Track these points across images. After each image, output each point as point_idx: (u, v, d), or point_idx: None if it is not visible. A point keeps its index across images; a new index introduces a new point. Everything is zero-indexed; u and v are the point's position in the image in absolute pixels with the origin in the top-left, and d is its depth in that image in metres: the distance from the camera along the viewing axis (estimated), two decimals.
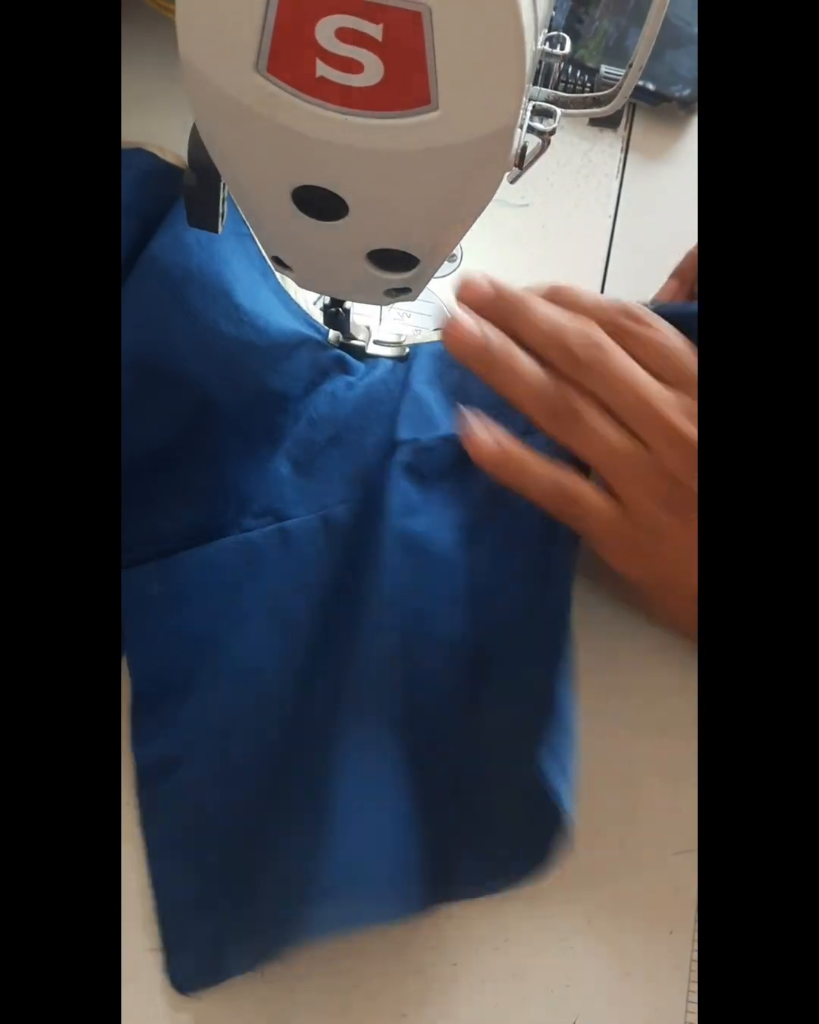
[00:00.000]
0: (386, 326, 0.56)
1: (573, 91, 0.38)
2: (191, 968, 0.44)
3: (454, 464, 0.51)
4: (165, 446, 0.50)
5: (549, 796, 0.41)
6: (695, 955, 0.45)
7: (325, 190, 0.34)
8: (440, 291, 0.58)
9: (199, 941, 0.44)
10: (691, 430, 0.41)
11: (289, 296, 0.54)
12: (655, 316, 0.43)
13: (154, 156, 0.53)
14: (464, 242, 0.58)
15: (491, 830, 0.44)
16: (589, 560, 0.47)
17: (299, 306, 0.54)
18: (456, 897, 0.45)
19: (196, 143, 0.38)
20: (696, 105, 0.64)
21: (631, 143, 0.65)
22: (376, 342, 0.55)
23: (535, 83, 0.36)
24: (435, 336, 0.56)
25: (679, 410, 0.41)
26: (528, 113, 0.35)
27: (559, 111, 0.36)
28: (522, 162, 0.35)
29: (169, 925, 0.45)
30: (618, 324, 0.43)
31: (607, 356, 0.42)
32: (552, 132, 0.36)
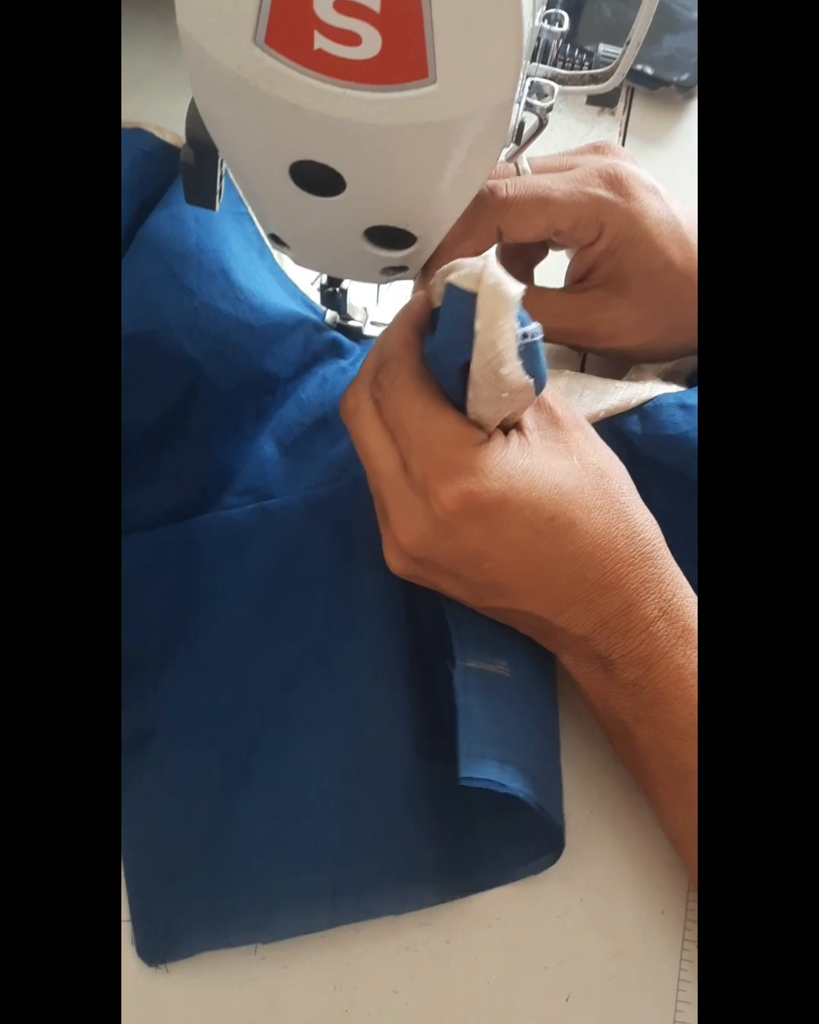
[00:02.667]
0: (384, 307, 0.56)
1: (572, 70, 0.38)
2: (158, 940, 0.44)
3: None
4: (155, 422, 0.50)
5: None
6: (686, 935, 0.46)
7: (322, 165, 0.34)
8: None
9: (163, 914, 0.44)
10: (387, 517, 0.43)
11: (286, 276, 0.54)
12: (396, 371, 0.42)
13: (152, 136, 0.53)
14: None
15: (506, 816, 0.45)
16: None
17: (296, 286, 0.54)
18: (473, 889, 0.46)
19: (194, 119, 0.38)
20: (695, 89, 0.64)
21: (629, 127, 0.65)
22: (373, 323, 0.55)
23: (533, 59, 0.36)
24: None
25: (390, 490, 0.42)
26: (526, 89, 0.35)
27: (557, 88, 0.36)
28: (520, 138, 0.35)
29: (138, 897, 0.45)
30: (374, 386, 0.43)
31: (352, 426, 0.44)
32: (549, 109, 0.36)
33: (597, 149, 0.50)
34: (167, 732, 0.48)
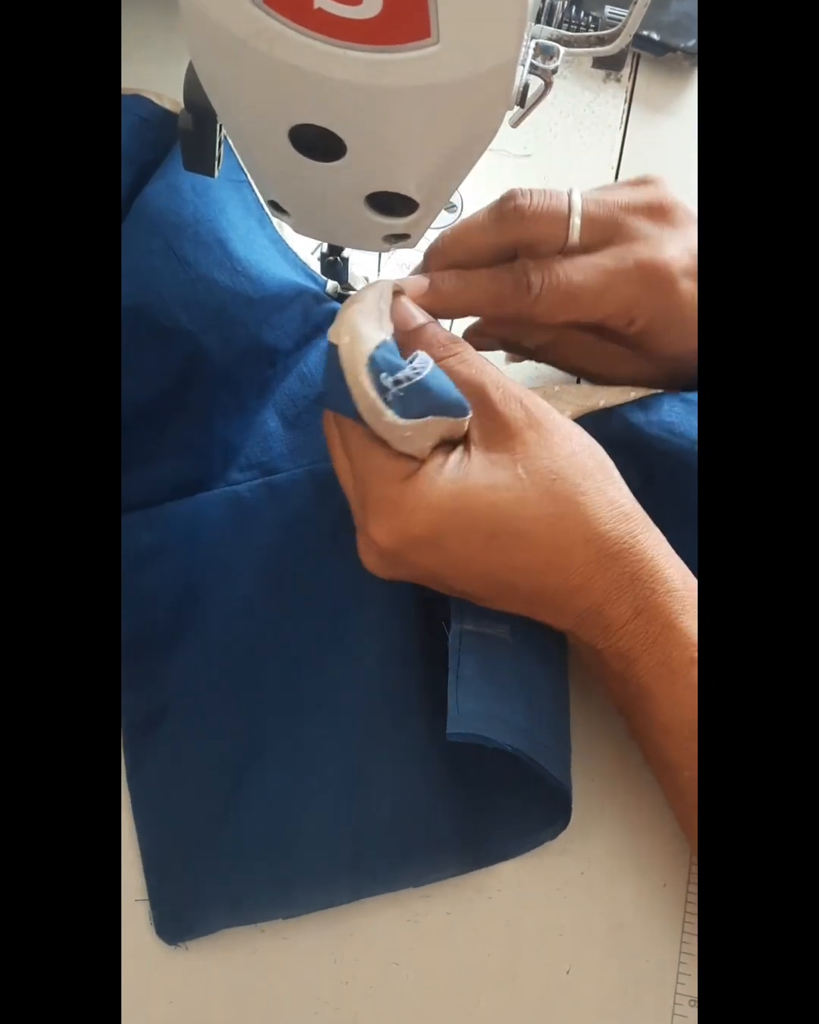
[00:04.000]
0: (385, 276, 0.56)
1: (577, 32, 0.37)
2: (176, 919, 0.44)
3: None
4: (155, 397, 0.49)
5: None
6: (687, 908, 0.46)
7: (322, 129, 0.33)
8: None
9: (183, 892, 0.45)
10: None
11: (286, 245, 0.53)
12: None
13: (151, 102, 0.52)
14: (464, 193, 0.58)
15: (520, 784, 0.45)
16: None
17: (296, 255, 0.54)
18: (492, 859, 0.46)
19: (192, 84, 0.37)
20: None
21: (635, 94, 0.64)
22: None
23: (538, 21, 0.35)
24: None
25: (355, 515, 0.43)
26: (530, 50, 0.35)
27: (562, 49, 0.35)
28: (524, 101, 0.34)
29: (154, 876, 0.45)
30: None
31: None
32: (554, 71, 0.35)
33: (643, 184, 0.47)
34: (179, 710, 0.48)
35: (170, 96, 0.52)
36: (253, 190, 0.52)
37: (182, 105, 0.39)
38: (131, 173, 0.50)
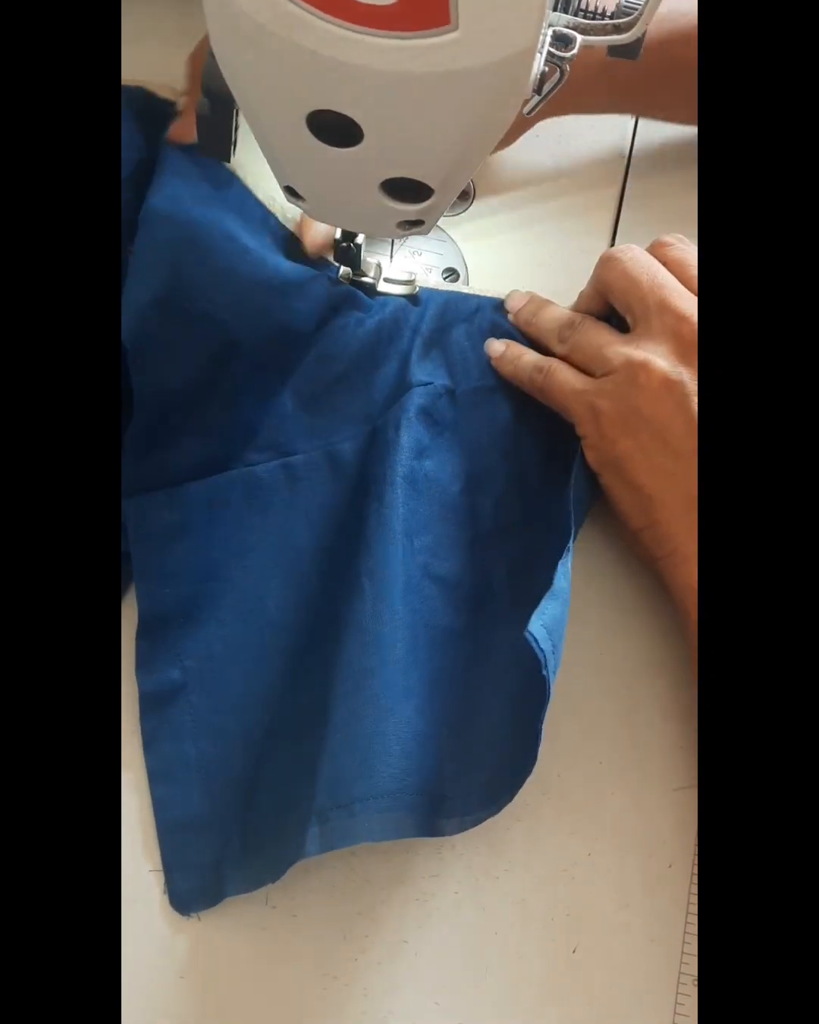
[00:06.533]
0: (397, 263, 0.56)
1: (594, 20, 0.37)
2: (190, 888, 0.45)
3: (466, 415, 0.52)
4: (189, 383, 0.50)
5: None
6: (693, 889, 0.46)
7: (340, 115, 0.33)
8: (453, 232, 0.58)
9: (198, 861, 0.45)
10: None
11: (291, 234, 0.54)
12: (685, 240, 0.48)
13: (150, 94, 0.53)
14: (478, 179, 0.58)
15: (482, 762, 0.45)
16: (595, 510, 0.49)
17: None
18: (450, 830, 0.45)
19: (211, 70, 0.37)
20: None
21: None
22: (386, 279, 0.54)
23: (555, 8, 0.36)
24: (447, 282, 0.56)
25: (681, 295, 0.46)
26: (547, 38, 0.35)
27: (579, 37, 0.35)
28: (541, 89, 0.34)
29: (169, 846, 0.46)
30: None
31: (626, 254, 0.48)
32: (571, 59, 0.35)
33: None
34: (197, 685, 0.49)
35: (169, 85, 0.52)
36: (250, 192, 0.53)
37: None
38: (132, 160, 0.51)
